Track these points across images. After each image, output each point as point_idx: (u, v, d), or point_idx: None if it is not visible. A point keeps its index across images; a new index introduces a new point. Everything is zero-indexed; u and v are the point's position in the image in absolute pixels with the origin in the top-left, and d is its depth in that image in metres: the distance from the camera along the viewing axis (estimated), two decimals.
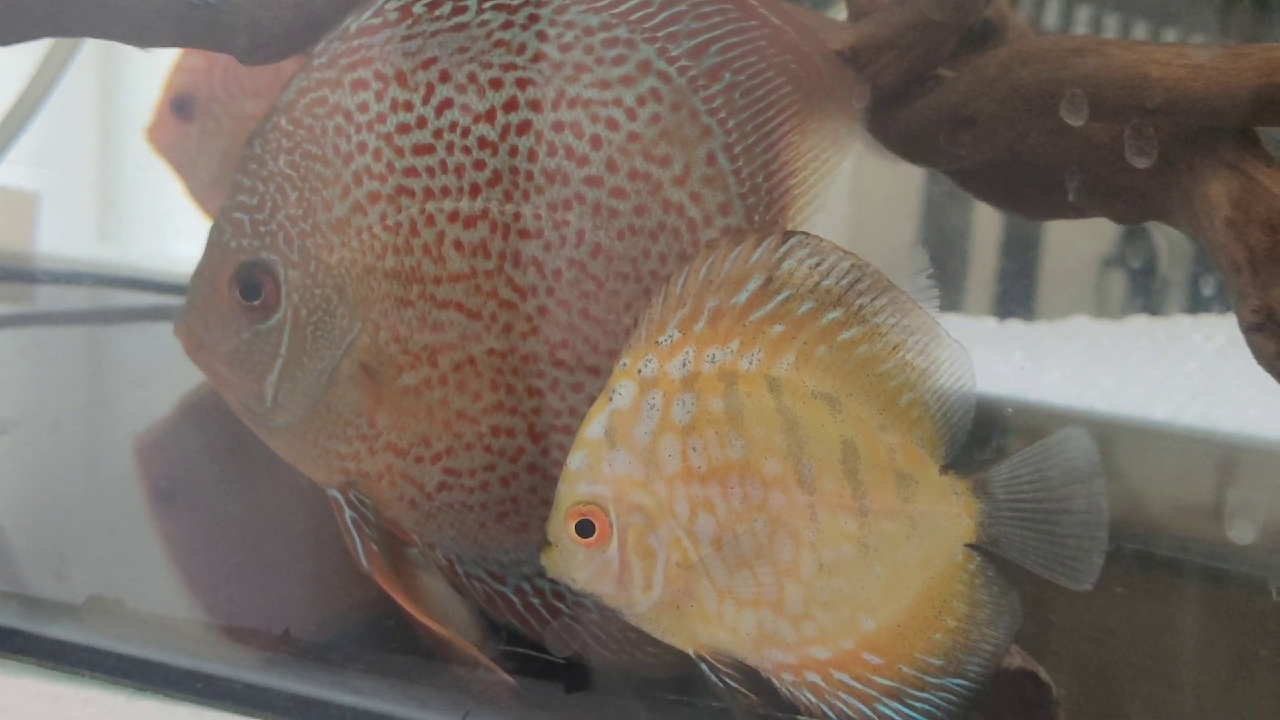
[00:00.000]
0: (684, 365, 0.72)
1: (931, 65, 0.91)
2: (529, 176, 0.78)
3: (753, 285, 0.71)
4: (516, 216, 0.78)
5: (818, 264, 0.71)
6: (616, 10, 0.77)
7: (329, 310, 0.78)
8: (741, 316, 0.72)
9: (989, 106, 0.87)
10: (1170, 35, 2.39)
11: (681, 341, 0.72)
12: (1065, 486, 0.71)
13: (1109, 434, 1.22)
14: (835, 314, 0.71)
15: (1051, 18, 2.45)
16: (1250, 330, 0.78)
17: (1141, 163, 0.83)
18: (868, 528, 0.71)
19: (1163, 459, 1.21)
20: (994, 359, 1.28)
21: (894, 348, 0.72)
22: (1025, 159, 0.92)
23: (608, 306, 0.78)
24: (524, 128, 0.78)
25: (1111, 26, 2.42)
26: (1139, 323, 1.36)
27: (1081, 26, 2.44)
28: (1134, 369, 1.28)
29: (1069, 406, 1.23)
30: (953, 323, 1.39)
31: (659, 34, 0.77)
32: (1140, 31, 2.40)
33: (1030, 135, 0.89)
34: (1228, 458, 1.21)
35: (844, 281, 0.71)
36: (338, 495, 0.79)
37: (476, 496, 0.80)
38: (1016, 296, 1.46)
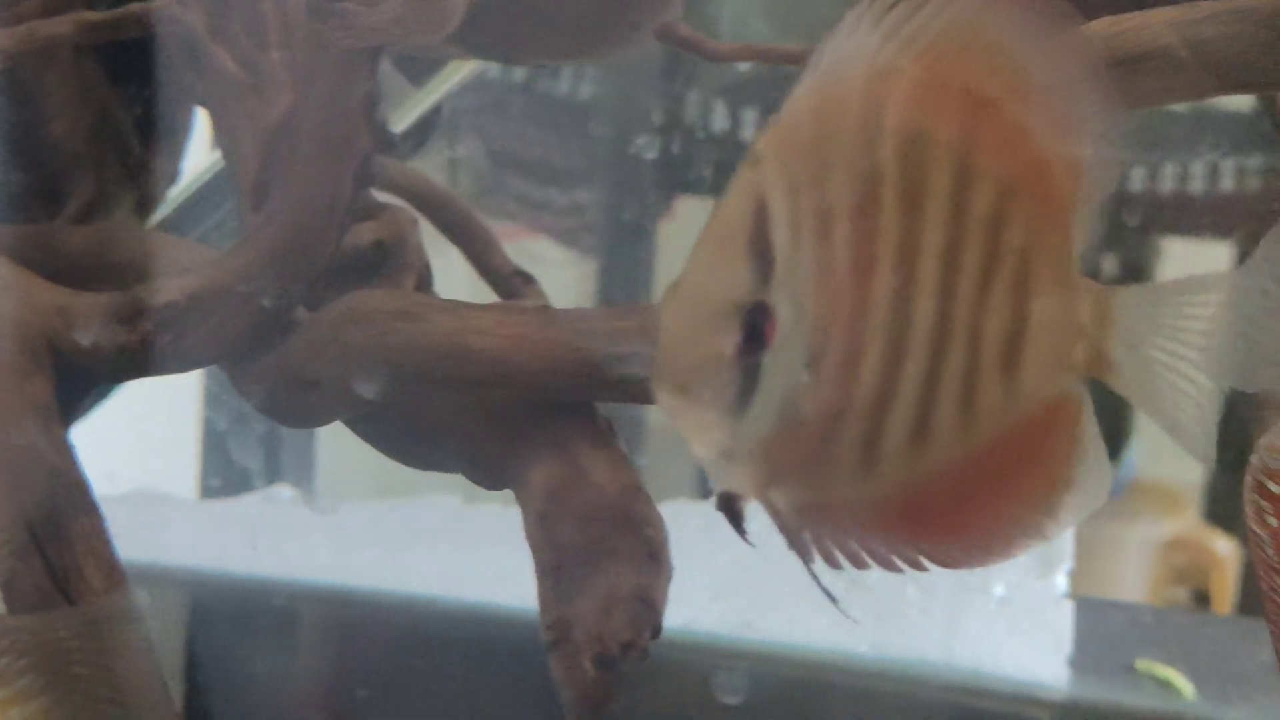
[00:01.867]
0: None
1: (285, 310, 0.82)
2: None
3: None
4: None
5: None
6: None
7: None
8: None
9: (327, 369, 0.78)
10: None
11: None
12: None
13: None
14: None
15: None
16: (549, 649, 0.70)
17: None
18: None
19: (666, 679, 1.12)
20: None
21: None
22: (407, 413, 0.83)
23: None
24: None
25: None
26: (677, 507, 1.28)
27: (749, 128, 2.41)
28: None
29: None
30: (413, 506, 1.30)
31: None
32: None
33: (388, 395, 0.80)
34: (756, 671, 1.13)
35: None
36: None
37: None
38: None
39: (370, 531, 1.24)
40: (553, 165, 2.70)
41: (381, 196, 1.02)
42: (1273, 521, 0.64)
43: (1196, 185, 2.25)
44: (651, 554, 0.70)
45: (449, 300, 0.77)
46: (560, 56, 0.87)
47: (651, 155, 2.38)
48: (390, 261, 0.89)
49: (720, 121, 2.44)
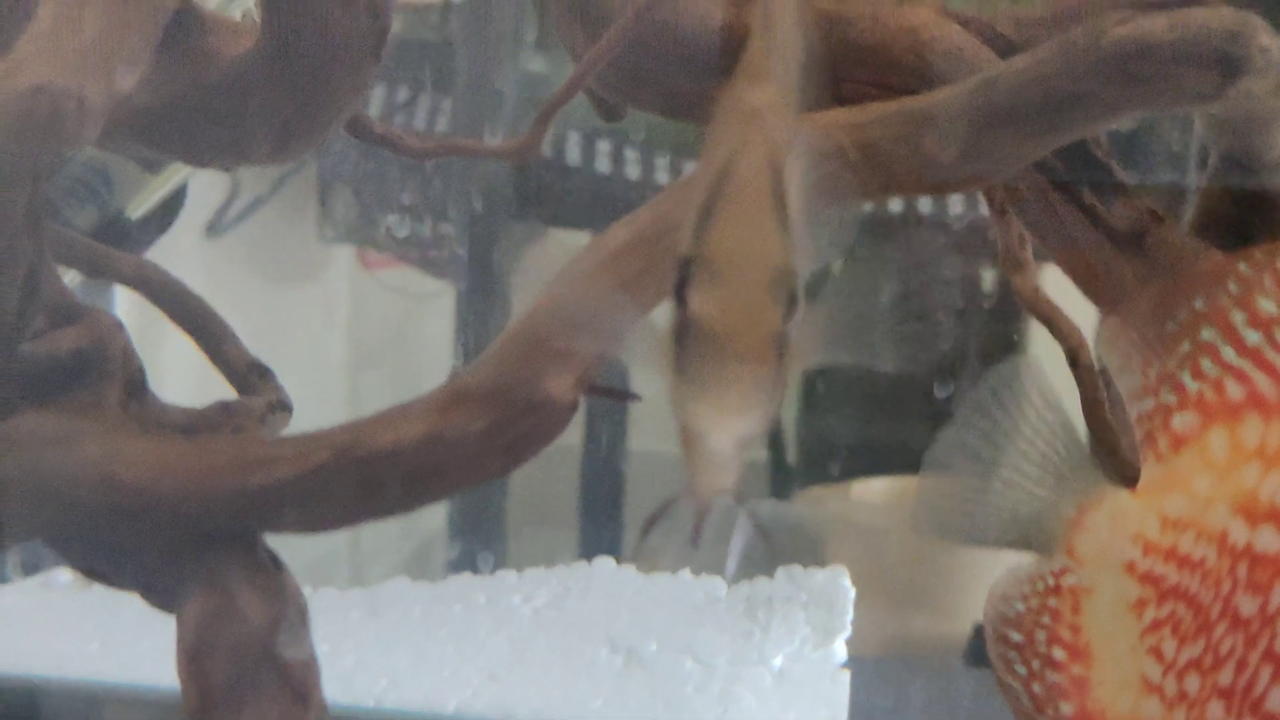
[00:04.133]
0: None
1: None
2: None
3: None
4: None
5: None
6: None
7: None
8: None
9: None
10: None
11: None
12: None
13: None
14: None
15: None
16: None
17: None
18: None
19: None
20: None
21: None
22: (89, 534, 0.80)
23: None
24: None
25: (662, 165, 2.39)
26: (462, 582, 1.26)
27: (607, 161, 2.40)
28: (437, 647, 1.17)
29: (352, 706, 1.11)
30: None
31: None
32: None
33: (45, 524, 0.77)
34: None
35: None
36: None
37: None
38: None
39: (144, 618, 1.21)
40: (419, 199, 2.67)
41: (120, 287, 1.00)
42: (1022, 670, 0.62)
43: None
44: (299, 694, 0.68)
45: (111, 426, 0.74)
46: (247, 159, 0.85)
47: (519, 188, 2.37)
48: (89, 371, 0.86)
49: (583, 155, 2.44)
